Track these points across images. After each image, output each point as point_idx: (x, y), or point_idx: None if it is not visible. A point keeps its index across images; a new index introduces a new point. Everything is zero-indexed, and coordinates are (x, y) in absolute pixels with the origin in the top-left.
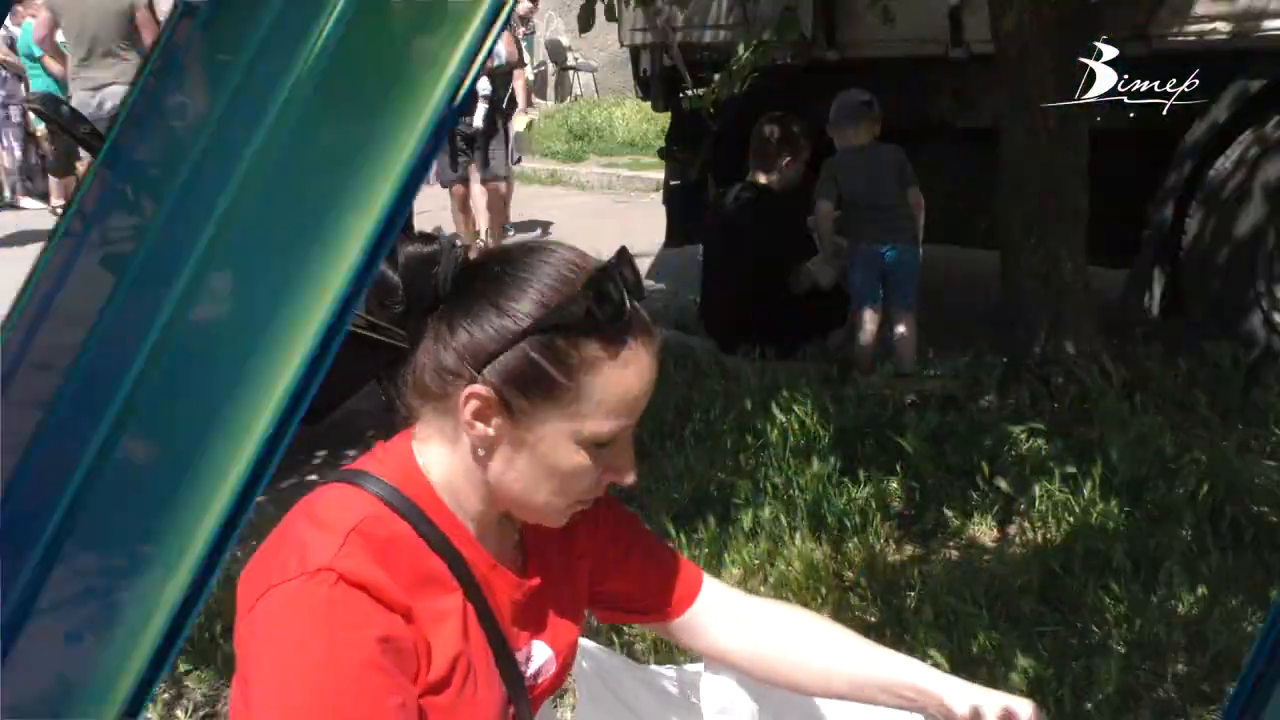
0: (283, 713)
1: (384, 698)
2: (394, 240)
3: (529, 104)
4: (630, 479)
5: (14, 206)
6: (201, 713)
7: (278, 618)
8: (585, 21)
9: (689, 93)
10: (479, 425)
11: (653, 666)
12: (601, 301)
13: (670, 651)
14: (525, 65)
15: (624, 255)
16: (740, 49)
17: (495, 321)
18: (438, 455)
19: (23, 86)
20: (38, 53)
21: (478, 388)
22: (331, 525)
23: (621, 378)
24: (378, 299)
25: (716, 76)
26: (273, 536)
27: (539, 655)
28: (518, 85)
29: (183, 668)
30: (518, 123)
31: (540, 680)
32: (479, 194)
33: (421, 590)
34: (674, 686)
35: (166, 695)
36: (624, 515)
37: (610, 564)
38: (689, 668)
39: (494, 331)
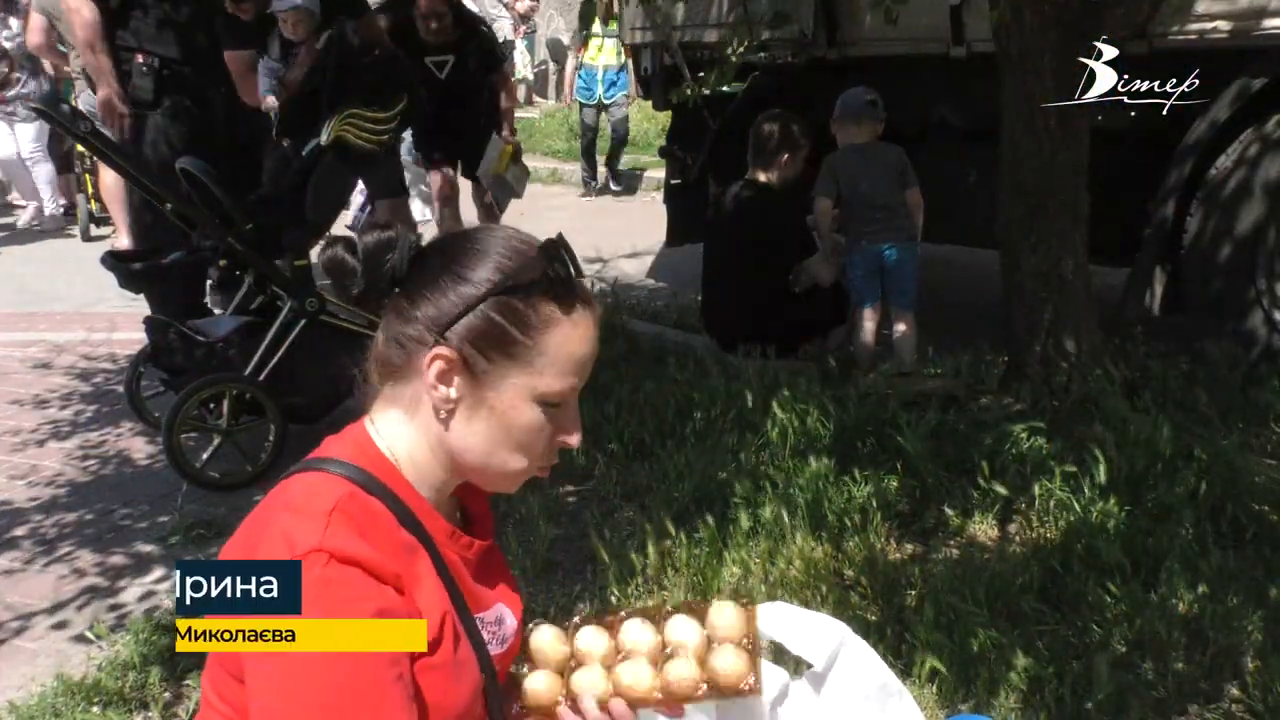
0: (286, 693)
1: (384, 670)
2: (356, 232)
3: (510, 126)
4: (576, 439)
5: (14, 206)
6: None
7: None
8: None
9: (680, 88)
10: (441, 387)
11: None
12: (554, 262)
13: None
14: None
15: (562, 238)
16: (733, 44)
17: (455, 288)
18: (398, 429)
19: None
20: None
21: (441, 349)
22: (310, 509)
23: (572, 336)
24: (337, 281)
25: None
26: (245, 531)
27: (507, 618)
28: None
29: (182, 666)
30: (498, 161)
31: (506, 645)
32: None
33: (402, 559)
34: None
35: (167, 695)
36: None
37: None
38: None
39: (455, 297)
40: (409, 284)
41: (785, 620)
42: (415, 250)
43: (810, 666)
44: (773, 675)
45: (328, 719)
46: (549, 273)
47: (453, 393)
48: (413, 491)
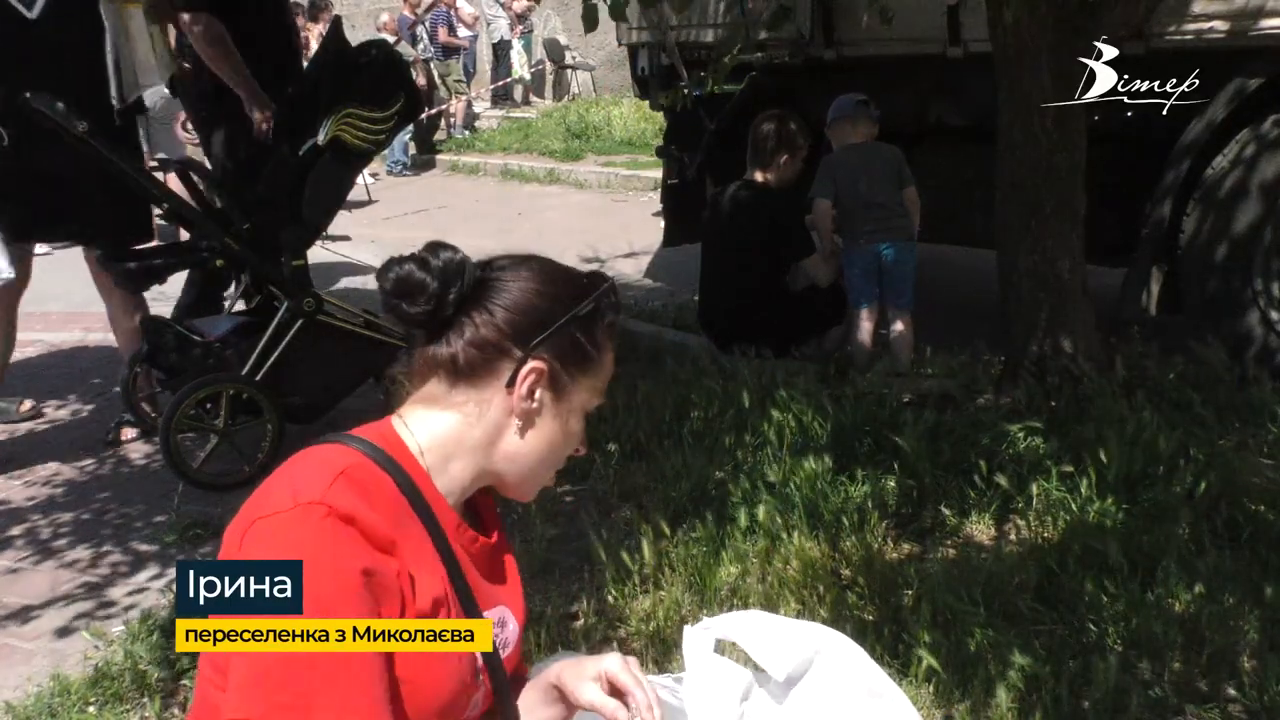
0: (258, 672)
1: (367, 662)
2: (422, 250)
3: None
4: (584, 449)
5: None
6: None
7: (265, 543)
8: (589, 21)
9: (670, 91)
10: (529, 397)
11: (649, 676)
12: (613, 291)
13: (669, 650)
14: None
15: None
16: (731, 46)
17: (541, 306)
18: (439, 427)
19: None
20: None
21: (537, 362)
22: (320, 468)
23: (613, 355)
24: (408, 298)
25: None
26: (258, 491)
27: (510, 622)
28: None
29: (179, 666)
30: None
31: (508, 650)
32: None
33: (401, 529)
34: (670, 696)
35: (164, 695)
36: None
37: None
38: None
39: (540, 314)
40: (481, 300)
41: (757, 629)
42: (479, 267)
43: (772, 679)
44: (735, 674)
45: (296, 701)
46: (610, 299)
47: (535, 404)
48: (428, 481)
